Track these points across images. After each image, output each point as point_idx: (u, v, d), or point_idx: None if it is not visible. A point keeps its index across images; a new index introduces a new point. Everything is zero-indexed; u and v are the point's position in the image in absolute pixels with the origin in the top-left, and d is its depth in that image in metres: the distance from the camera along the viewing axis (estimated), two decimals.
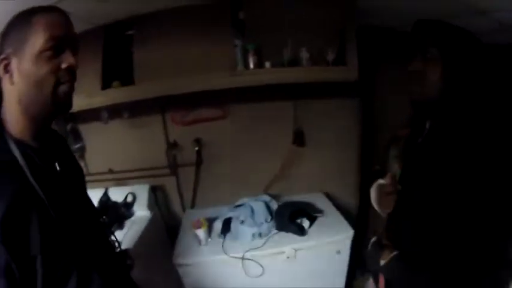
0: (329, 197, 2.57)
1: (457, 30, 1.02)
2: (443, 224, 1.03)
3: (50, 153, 0.93)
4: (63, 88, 0.86)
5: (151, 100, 2.07)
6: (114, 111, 2.17)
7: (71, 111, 0.94)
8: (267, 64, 2.04)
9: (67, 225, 0.84)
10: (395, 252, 1.14)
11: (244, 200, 2.30)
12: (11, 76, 0.82)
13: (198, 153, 2.40)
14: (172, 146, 2.36)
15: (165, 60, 2.00)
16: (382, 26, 2.35)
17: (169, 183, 2.46)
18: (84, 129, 2.20)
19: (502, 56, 2.26)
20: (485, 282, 0.97)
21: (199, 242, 2.05)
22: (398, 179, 1.23)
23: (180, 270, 1.97)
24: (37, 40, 0.81)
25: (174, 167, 2.40)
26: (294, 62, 2.07)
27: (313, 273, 2.11)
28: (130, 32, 2.06)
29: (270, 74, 2.04)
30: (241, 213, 2.17)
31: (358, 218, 2.61)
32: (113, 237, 1.17)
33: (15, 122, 0.85)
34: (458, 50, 1.00)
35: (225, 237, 2.10)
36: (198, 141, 2.39)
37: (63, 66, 0.85)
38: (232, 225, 2.13)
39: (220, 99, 2.31)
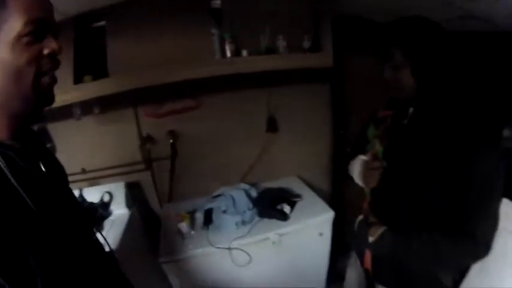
0: (304, 180, 2.64)
1: (419, 27, 1.11)
2: (427, 196, 1.13)
3: (32, 153, 0.82)
4: (45, 80, 0.75)
5: (122, 93, 1.96)
6: (85, 107, 2.05)
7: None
8: (244, 52, 2.04)
9: (58, 227, 0.77)
10: (383, 228, 1.24)
11: (223, 189, 2.29)
12: None
13: (173, 145, 2.34)
14: (146, 140, 2.27)
15: (140, 51, 1.92)
16: (352, 15, 2.42)
17: (145, 178, 2.38)
18: (52, 128, 2.05)
19: (470, 43, 2.44)
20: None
21: (182, 236, 2.01)
22: (383, 157, 1.32)
23: (167, 268, 1.93)
24: (14, 24, 0.68)
25: (148, 162, 2.32)
26: (271, 50, 2.08)
27: (299, 256, 2.18)
28: (101, 23, 1.94)
29: (248, 63, 2.03)
30: (222, 203, 2.16)
31: (333, 199, 2.72)
32: (100, 237, 1.07)
33: None
34: (422, 49, 1.08)
35: (208, 228, 2.08)
36: (172, 133, 2.32)
37: (46, 52, 0.73)
38: (214, 215, 2.13)
39: (194, 90, 2.26)
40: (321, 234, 2.18)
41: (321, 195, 2.38)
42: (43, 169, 0.82)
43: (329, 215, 2.18)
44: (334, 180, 2.74)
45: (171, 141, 2.32)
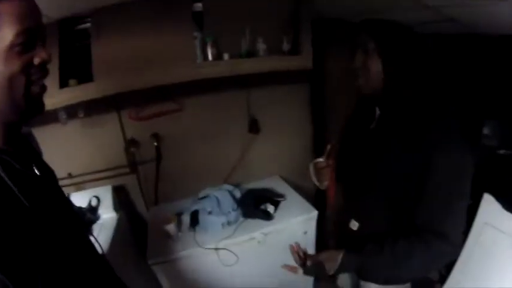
0: (286, 180, 2.69)
1: (393, 26, 1.13)
2: (400, 198, 1.17)
3: (26, 156, 0.84)
4: (35, 89, 0.76)
5: (107, 97, 1.98)
6: (70, 111, 2.04)
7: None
8: (225, 56, 2.06)
9: (55, 226, 0.80)
10: (340, 255, 1.21)
11: (208, 191, 2.32)
12: None
13: (157, 148, 2.36)
14: (130, 143, 2.29)
15: (123, 54, 1.92)
16: (332, 17, 2.45)
17: (131, 181, 2.40)
18: (38, 132, 2.02)
19: (446, 44, 2.48)
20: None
21: (170, 237, 2.05)
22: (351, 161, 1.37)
23: (156, 269, 1.96)
24: (6, 34, 0.69)
25: (134, 165, 2.34)
26: (251, 53, 2.12)
27: (284, 255, 2.21)
28: (85, 26, 1.94)
29: (229, 66, 2.06)
30: (207, 205, 2.20)
31: (316, 197, 2.77)
32: (92, 239, 1.10)
33: None
34: (394, 42, 1.11)
35: (195, 229, 2.11)
36: (156, 136, 2.35)
37: (36, 61, 0.74)
38: (200, 217, 2.16)
39: (176, 92, 2.29)
40: (305, 232, 2.25)
41: (303, 194, 2.44)
42: (37, 172, 0.84)
43: (313, 213, 2.24)
44: None
45: (155, 144, 2.34)
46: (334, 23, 2.44)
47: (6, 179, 0.70)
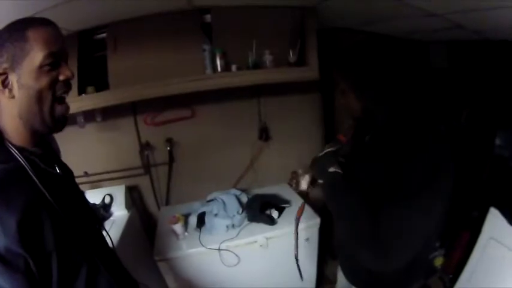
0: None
1: (364, 56, 1.12)
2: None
3: (50, 157, 0.99)
4: (59, 109, 0.91)
5: (123, 104, 2.12)
6: (88, 115, 2.21)
7: None
8: (233, 67, 2.14)
9: (73, 223, 0.92)
10: None
11: (215, 194, 2.42)
12: (10, 91, 0.84)
13: (170, 152, 2.49)
14: (145, 146, 2.44)
15: (138, 65, 2.06)
16: (339, 26, 2.51)
17: (144, 182, 2.54)
18: (57, 134, 2.20)
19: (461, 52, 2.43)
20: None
21: (177, 236, 2.15)
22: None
23: (161, 265, 2.06)
24: (36, 55, 0.84)
25: (147, 167, 2.48)
26: (258, 65, 2.19)
27: (285, 260, 2.25)
28: (102, 36, 2.09)
29: (237, 77, 2.14)
30: (214, 207, 2.29)
31: (324, 206, 2.79)
32: (104, 233, 1.23)
33: (16, 133, 0.89)
34: (363, 78, 1.12)
35: (200, 230, 2.21)
36: (169, 141, 2.48)
37: (61, 78, 0.89)
38: (207, 218, 2.25)
39: (189, 100, 2.40)
40: (307, 239, 2.28)
41: (310, 202, 2.44)
42: (58, 171, 1.00)
43: (316, 221, 2.27)
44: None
45: (169, 148, 2.47)
46: (342, 32, 2.49)
47: (33, 176, 0.85)
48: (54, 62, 0.87)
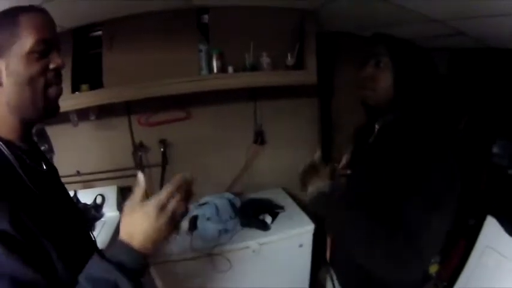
0: (289, 192, 2.71)
1: (405, 43, 1.15)
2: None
3: (37, 154, 0.95)
4: (52, 90, 0.86)
5: (117, 103, 2.09)
6: (82, 113, 2.17)
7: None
8: (230, 69, 2.11)
9: (61, 222, 0.86)
10: None
11: (209, 198, 2.39)
12: None
13: (164, 153, 2.45)
14: (138, 147, 2.39)
15: (133, 64, 2.01)
16: (339, 30, 2.49)
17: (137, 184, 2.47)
18: (50, 130, 2.15)
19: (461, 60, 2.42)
20: None
21: (168, 240, 2.11)
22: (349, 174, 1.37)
23: (151, 269, 2.02)
24: (26, 41, 0.79)
25: (140, 168, 2.43)
26: (256, 67, 2.15)
27: (278, 266, 2.25)
28: (98, 33, 2.05)
29: (233, 79, 2.10)
30: (207, 211, 2.25)
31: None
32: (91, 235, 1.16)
33: (3, 123, 0.84)
34: (407, 60, 1.12)
35: (192, 234, 2.17)
36: (163, 142, 2.43)
37: (52, 66, 0.84)
38: (199, 222, 2.21)
39: (184, 101, 2.37)
40: (301, 245, 2.26)
41: (304, 207, 2.43)
42: (44, 167, 0.94)
43: (310, 227, 2.24)
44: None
45: (162, 149, 2.42)
46: (342, 37, 2.47)
47: (19, 170, 0.80)
48: (45, 49, 0.83)
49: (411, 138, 1.09)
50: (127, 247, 0.76)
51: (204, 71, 2.11)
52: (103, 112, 2.25)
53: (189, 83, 2.05)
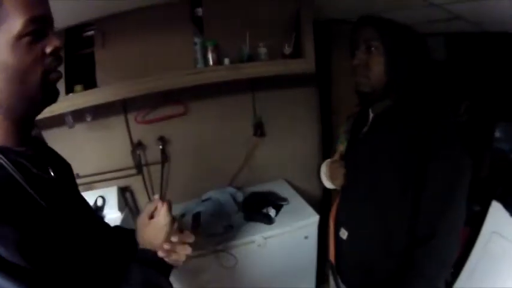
0: (291, 183, 2.68)
1: (396, 25, 1.12)
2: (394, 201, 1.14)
3: (42, 158, 0.79)
4: (52, 76, 0.72)
5: (113, 102, 2.04)
6: (77, 115, 2.11)
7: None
8: (226, 60, 2.07)
9: (71, 226, 0.77)
10: None
11: (210, 193, 2.36)
12: None
13: (163, 151, 2.41)
14: (137, 145, 2.35)
15: (127, 61, 1.98)
16: (335, 18, 2.44)
17: (136, 183, 2.45)
18: (47, 135, 2.11)
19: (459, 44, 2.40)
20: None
21: None
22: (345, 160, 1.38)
23: None
24: (13, 23, 0.62)
25: (139, 167, 2.39)
26: (252, 57, 2.11)
27: (285, 259, 2.22)
28: (89, 33, 2.00)
29: (230, 70, 2.06)
30: (210, 207, 2.24)
31: (322, 202, 2.75)
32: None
33: None
34: (397, 42, 1.09)
35: (196, 231, 2.14)
36: (161, 139, 2.39)
37: (48, 50, 0.68)
38: (202, 219, 2.18)
39: (181, 96, 2.33)
40: (306, 237, 2.23)
41: (308, 199, 2.41)
42: (52, 174, 0.80)
43: (314, 218, 2.22)
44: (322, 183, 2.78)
45: (161, 147, 2.38)
46: (339, 24, 2.42)
47: (23, 183, 0.67)
48: (37, 30, 0.66)
49: (412, 125, 1.08)
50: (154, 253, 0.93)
51: (200, 64, 2.07)
52: (99, 112, 2.20)
53: (185, 77, 2.00)
